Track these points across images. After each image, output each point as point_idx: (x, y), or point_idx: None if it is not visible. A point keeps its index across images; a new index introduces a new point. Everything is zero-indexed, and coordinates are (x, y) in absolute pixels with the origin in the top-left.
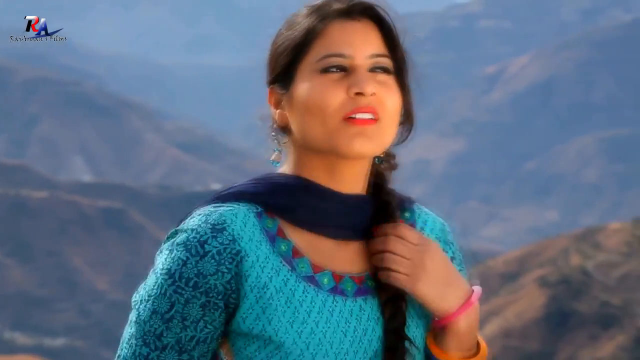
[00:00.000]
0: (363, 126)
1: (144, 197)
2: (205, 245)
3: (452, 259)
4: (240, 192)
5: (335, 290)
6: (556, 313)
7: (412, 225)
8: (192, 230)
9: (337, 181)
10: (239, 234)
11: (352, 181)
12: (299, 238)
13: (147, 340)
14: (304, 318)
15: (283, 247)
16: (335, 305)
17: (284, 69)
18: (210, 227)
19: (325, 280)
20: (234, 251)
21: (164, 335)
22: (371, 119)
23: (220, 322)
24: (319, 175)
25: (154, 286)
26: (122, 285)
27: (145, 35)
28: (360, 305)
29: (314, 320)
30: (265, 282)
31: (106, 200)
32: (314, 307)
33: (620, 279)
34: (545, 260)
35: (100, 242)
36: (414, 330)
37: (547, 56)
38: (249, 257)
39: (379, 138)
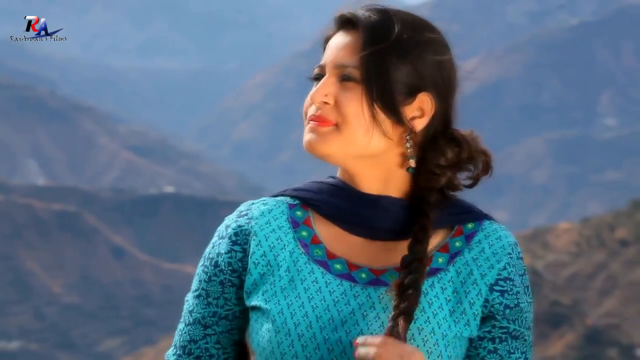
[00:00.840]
0: (315, 126)
1: (98, 200)
2: (228, 228)
3: (506, 279)
4: (287, 189)
5: (346, 276)
6: None
7: (472, 235)
8: (227, 217)
9: (356, 182)
10: (257, 218)
11: (369, 181)
12: (326, 230)
13: (185, 317)
14: (299, 293)
15: (304, 234)
16: (339, 288)
17: None
18: (237, 213)
19: (338, 266)
20: (247, 232)
21: (194, 311)
22: (325, 122)
23: (238, 299)
24: (345, 177)
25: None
26: (76, 288)
27: (98, 39)
28: (369, 293)
29: (309, 296)
30: (269, 260)
31: (60, 203)
32: (314, 285)
33: (569, 279)
34: None
35: (55, 246)
36: (424, 323)
37: (496, 59)
38: (257, 236)
39: (336, 140)
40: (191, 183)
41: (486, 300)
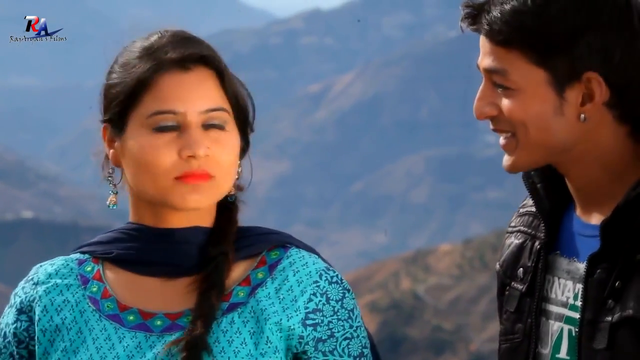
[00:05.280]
0: (195, 183)
1: None
2: (16, 297)
3: (315, 311)
4: (82, 244)
5: (140, 327)
6: (387, 339)
7: (275, 264)
8: (20, 283)
9: (167, 224)
10: (42, 282)
11: (181, 223)
12: (117, 280)
13: None
14: (91, 354)
15: (94, 289)
16: (133, 341)
17: (116, 115)
18: (25, 279)
19: (131, 317)
20: (31, 299)
21: None
22: (208, 177)
23: None
24: (149, 220)
25: None
26: None
27: None
28: (166, 341)
29: (101, 356)
30: (57, 324)
31: None
32: (107, 342)
33: (451, 303)
34: (374, 284)
35: None
36: None
37: (372, 73)
38: (41, 302)
39: (215, 192)
40: (51, 207)
41: (301, 337)
